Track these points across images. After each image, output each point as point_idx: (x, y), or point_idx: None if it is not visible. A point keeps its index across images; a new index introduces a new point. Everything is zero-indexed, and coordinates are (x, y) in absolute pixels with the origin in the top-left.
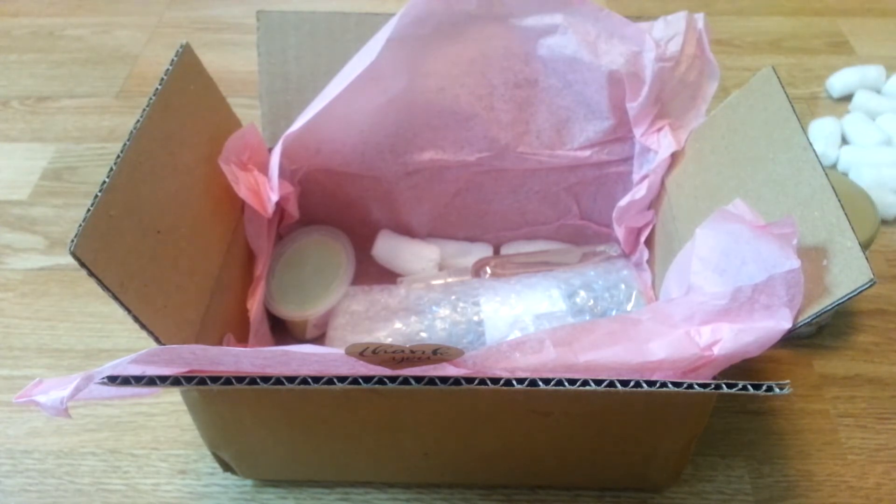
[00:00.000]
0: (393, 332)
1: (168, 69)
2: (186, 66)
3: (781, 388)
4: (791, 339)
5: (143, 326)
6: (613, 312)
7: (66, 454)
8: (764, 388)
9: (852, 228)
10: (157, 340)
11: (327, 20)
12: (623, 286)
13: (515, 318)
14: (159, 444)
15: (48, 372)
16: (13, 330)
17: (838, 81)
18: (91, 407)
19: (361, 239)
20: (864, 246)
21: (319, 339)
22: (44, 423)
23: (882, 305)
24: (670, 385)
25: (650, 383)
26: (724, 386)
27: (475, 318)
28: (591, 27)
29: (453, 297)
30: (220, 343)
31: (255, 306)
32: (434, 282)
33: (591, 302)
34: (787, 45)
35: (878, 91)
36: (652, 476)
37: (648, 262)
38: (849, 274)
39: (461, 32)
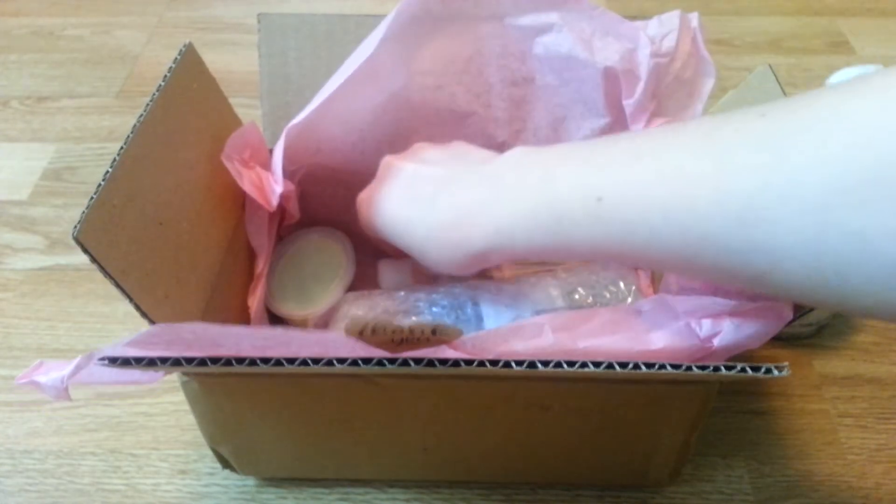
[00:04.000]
0: None
1: (171, 67)
2: (189, 66)
3: (780, 370)
4: (791, 339)
5: (143, 315)
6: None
7: (66, 454)
8: (763, 370)
9: None
10: None
11: (327, 22)
12: (621, 283)
13: (515, 316)
14: (159, 444)
15: None
16: (13, 330)
17: (838, 81)
18: (91, 407)
19: (362, 239)
20: None
21: None
22: (44, 423)
23: None
24: (669, 367)
25: (649, 365)
26: (723, 368)
27: (475, 319)
28: (586, 25)
29: (453, 299)
30: None
31: (255, 304)
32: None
33: (590, 299)
34: (787, 45)
35: None
36: (653, 473)
37: None
38: None
39: (457, 30)
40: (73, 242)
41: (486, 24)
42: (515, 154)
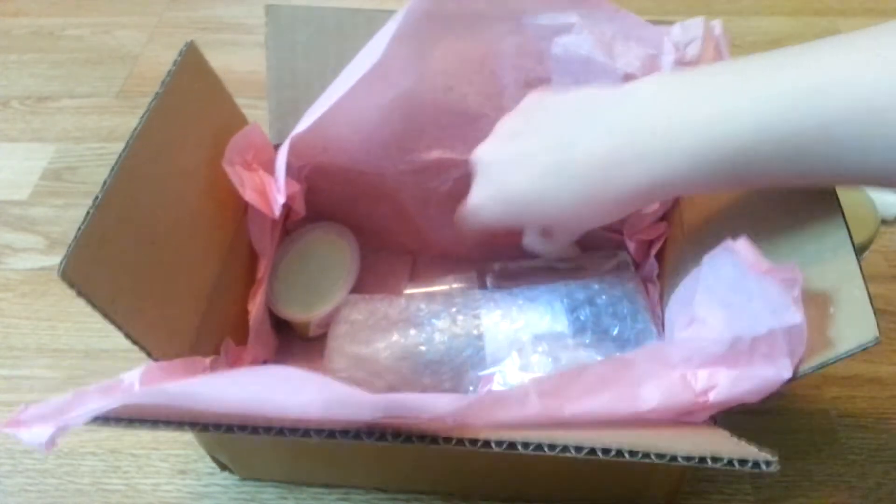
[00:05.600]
0: (391, 344)
1: (170, 70)
2: (190, 66)
3: (768, 465)
4: None
5: (134, 342)
6: (616, 329)
7: (66, 454)
8: (750, 464)
9: (863, 276)
10: (150, 355)
11: (336, 16)
12: (627, 302)
13: (515, 336)
14: (159, 444)
15: (48, 372)
16: (13, 330)
17: None
18: None
19: (368, 236)
20: (864, 246)
21: (321, 339)
22: None
23: (882, 305)
24: (653, 457)
25: (633, 453)
26: (709, 460)
27: (475, 332)
28: (607, 28)
29: (453, 310)
30: (217, 348)
31: (255, 309)
32: (438, 287)
33: (594, 318)
34: (787, 45)
35: None
36: (649, 497)
37: (658, 276)
38: (854, 328)
39: (471, 30)
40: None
41: (502, 22)
42: (653, 88)
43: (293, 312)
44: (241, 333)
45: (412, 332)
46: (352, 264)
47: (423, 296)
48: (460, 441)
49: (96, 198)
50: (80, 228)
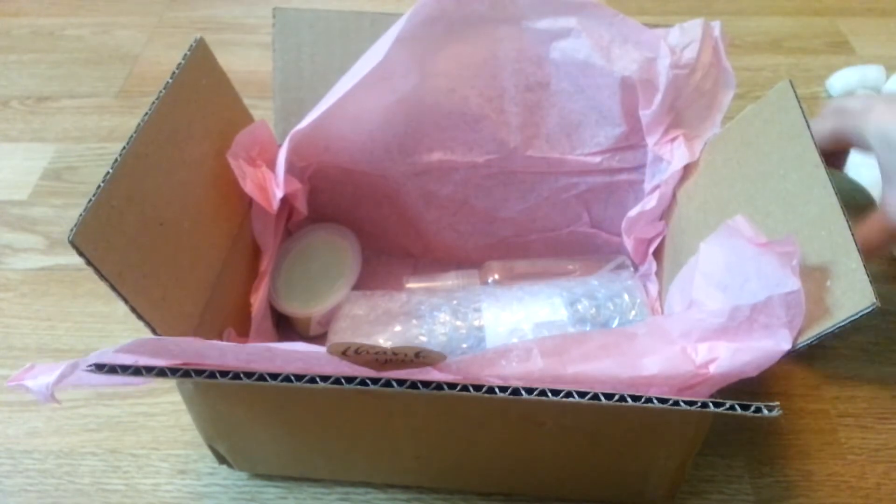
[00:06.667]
0: (393, 335)
1: (180, 63)
2: (199, 61)
3: (770, 410)
4: None
5: (139, 317)
6: (616, 322)
7: (66, 454)
8: (752, 409)
9: (859, 250)
10: (154, 332)
11: (342, 19)
12: (626, 296)
13: (516, 325)
14: (159, 444)
15: None
16: (13, 330)
17: (838, 81)
18: (91, 407)
19: (370, 237)
20: None
21: (322, 337)
22: (44, 424)
23: (882, 305)
24: (655, 401)
25: (635, 398)
26: (710, 405)
27: (476, 324)
28: (605, 32)
29: (455, 303)
30: (219, 337)
31: (257, 301)
32: (440, 283)
33: (594, 311)
34: (787, 45)
35: (878, 91)
36: (648, 493)
37: (657, 273)
38: (851, 296)
39: (473, 33)
40: None
41: (503, 27)
42: None
43: (294, 308)
44: (242, 326)
45: (414, 322)
46: (353, 264)
47: (424, 291)
48: (465, 387)
49: (107, 174)
50: (90, 200)
